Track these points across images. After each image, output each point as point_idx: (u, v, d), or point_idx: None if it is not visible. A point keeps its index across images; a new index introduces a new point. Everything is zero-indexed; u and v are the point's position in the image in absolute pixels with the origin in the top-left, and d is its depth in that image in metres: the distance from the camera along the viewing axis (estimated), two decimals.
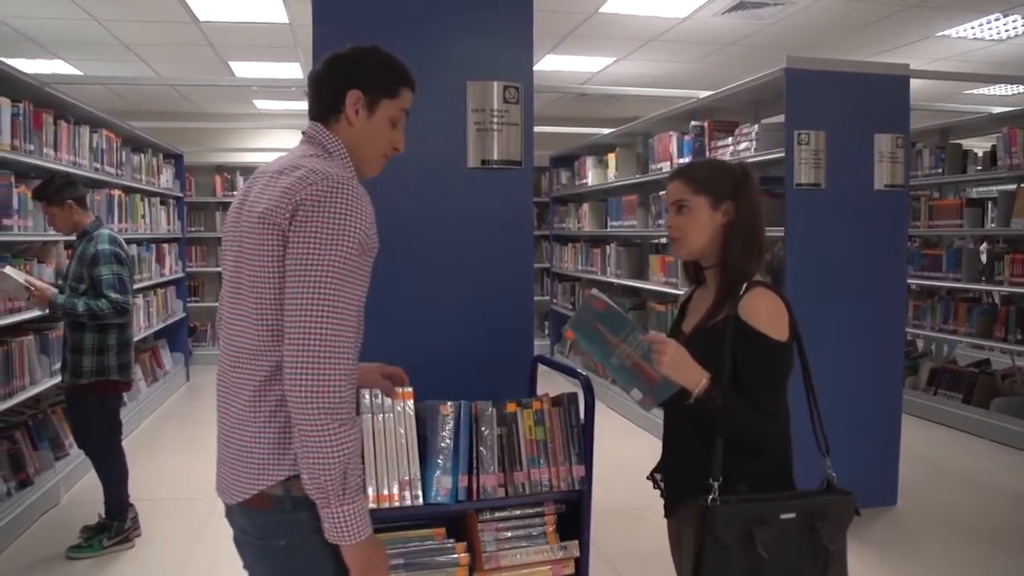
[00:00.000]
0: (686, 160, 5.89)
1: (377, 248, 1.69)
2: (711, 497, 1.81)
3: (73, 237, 4.13)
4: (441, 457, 2.32)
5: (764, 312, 1.88)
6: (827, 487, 1.92)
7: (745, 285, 1.92)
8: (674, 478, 2.08)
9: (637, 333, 1.87)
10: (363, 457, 2.16)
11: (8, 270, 3.82)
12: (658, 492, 2.17)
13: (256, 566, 1.74)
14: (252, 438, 1.65)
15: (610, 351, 1.90)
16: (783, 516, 1.80)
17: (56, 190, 3.99)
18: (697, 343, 1.91)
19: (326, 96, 1.78)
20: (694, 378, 1.83)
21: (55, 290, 3.88)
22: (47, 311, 3.91)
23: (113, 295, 3.86)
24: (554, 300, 9.55)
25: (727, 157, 5.23)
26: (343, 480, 1.54)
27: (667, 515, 2.12)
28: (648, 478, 2.20)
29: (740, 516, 1.79)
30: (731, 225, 1.97)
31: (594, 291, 1.94)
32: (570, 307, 8.91)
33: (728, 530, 1.78)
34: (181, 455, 5.83)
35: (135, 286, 4.52)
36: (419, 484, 2.28)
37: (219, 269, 7.39)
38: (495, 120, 2.92)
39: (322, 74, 1.79)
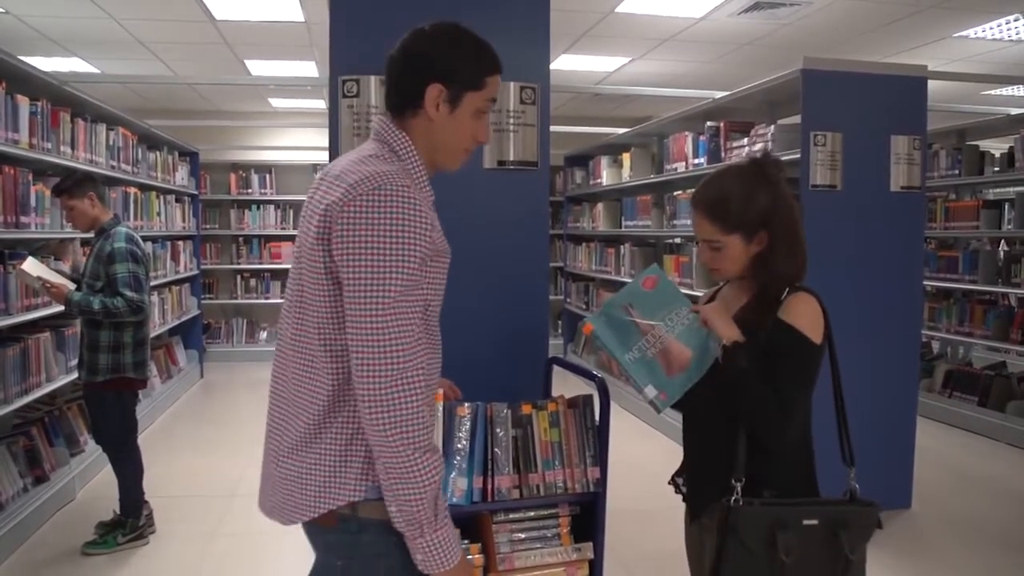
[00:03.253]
0: (702, 161, 5.87)
1: (448, 251, 1.63)
2: (734, 498, 1.80)
3: (91, 234, 4.16)
4: (457, 458, 2.32)
5: (804, 314, 1.86)
6: (850, 498, 1.90)
7: (787, 291, 1.90)
8: (699, 483, 2.04)
9: (686, 307, 1.88)
10: None
11: (27, 264, 3.85)
12: (679, 497, 2.14)
13: None
14: (314, 459, 1.55)
15: (634, 341, 1.86)
16: (806, 522, 1.78)
17: (76, 183, 4.02)
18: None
19: (404, 88, 1.62)
20: (732, 330, 1.84)
21: (72, 287, 3.91)
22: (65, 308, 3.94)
23: (129, 293, 3.88)
24: (568, 300, 9.54)
25: (742, 158, 5.19)
26: (434, 507, 1.48)
27: (691, 521, 2.08)
28: (670, 483, 2.17)
29: (763, 519, 1.78)
30: (768, 250, 1.92)
31: (654, 266, 1.95)
32: (584, 307, 8.90)
33: (750, 532, 1.77)
34: (195, 452, 5.86)
35: (151, 283, 4.54)
36: None
37: (232, 266, 7.44)
38: (511, 121, 2.92)
39: (400, 62, 1.63)
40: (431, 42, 1.62)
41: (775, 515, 1.79)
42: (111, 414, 4.07)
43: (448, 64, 1.61)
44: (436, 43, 1.62)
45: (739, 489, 1.81)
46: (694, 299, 2.00)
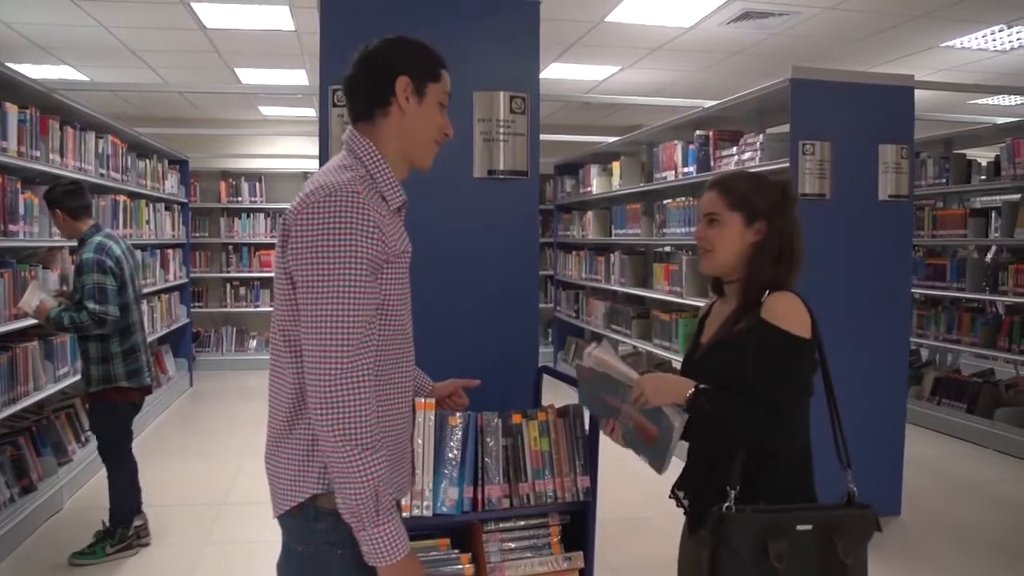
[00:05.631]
0: (691, 169, 5.89)
1: (407, 251, 1.68)
2: (726, 505, 1.78)
3: (76, 243, 4.13)
4: (448, 468, 2.32)
5: (786, 311, 1.84)
6: (847, 501, 1.87)
7: (767, 292, 1.89)
8: (701, 497, 1.98)
9: (629, 390, 1.89)
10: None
11: (27, 293, 3.84)
12: (672, 504, 2.11)
13: (280, 566, 1.77)
14: (287, 455, 1.65)
15: (617, 413, 1.93)
16: (799, 527, 1.76)
17: (54, 197, 3.96)
18: (717, 354, 1.88)
19: (371, 91, 1.71)
20: (679, 390, 1.83)
21: (51, 303, 3.88)
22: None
23: (91, 305, 3.77)
24: (558, 308, 9.55)
25: (731, 167, 5.23)
26: (375, 503, 1.53)
27: (691, 534, 2.04)
28: (671, 496, 2.12)
29: (755, 525, 1.76)
30: (761, 244, 1.92)
31: (587, 352, 1.99)
32: (574, 315, 8.90)
33: (742, 539, 1.75)
34: (185, 461, 5.83)
35: (142, 291, 4.50)
36: (430, 495, 2.28)
37: (222, 274, 7.41)
38: (501, 130, 2.93)
39: (361, 71, 1.73)
40: (386, 46, 1.74)
41: (766, 522, 1.77)
42: (105, 424, 4.05)
43: (408, 59, 1.73)
44: (391, 45, 1.74)
45: (733, 497, 1.79)
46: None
